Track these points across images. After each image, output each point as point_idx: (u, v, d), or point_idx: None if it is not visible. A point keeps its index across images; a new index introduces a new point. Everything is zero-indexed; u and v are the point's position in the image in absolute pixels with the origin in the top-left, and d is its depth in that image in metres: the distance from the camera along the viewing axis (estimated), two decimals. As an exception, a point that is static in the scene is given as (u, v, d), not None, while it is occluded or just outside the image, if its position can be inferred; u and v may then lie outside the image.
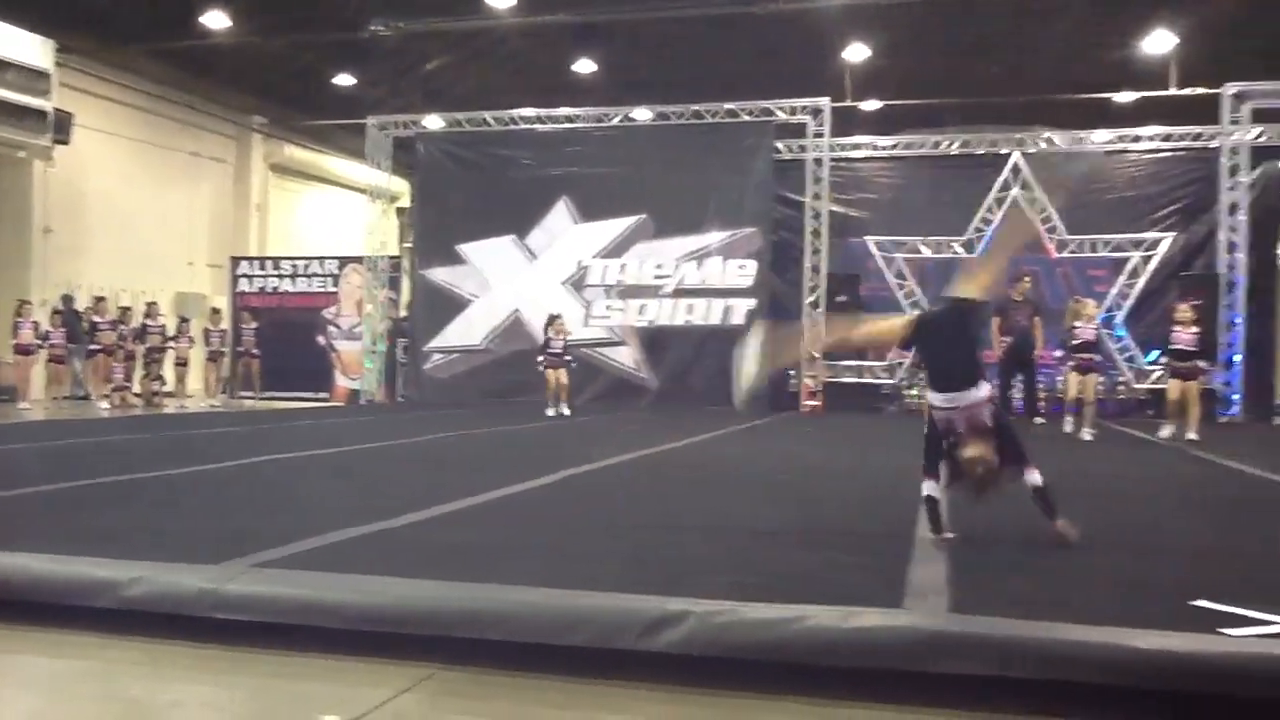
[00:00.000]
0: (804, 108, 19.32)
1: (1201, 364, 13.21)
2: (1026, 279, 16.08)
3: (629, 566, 4.48)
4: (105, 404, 17.91)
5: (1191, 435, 12.46)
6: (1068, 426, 13.24)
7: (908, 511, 6.20)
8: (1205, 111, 18.84)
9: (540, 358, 16.85)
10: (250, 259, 23.42)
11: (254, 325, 20.49)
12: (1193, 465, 10.29)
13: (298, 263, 22.95)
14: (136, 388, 19.34)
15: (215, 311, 20.83)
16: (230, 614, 3.83)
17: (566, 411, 16.19)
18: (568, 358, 16.86)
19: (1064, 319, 14.11)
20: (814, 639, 3.37)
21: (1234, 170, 17.82)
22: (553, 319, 17.01)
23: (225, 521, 5.57)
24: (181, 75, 22.25)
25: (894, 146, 20.06)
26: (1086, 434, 12.89)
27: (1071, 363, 13.44)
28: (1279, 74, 17.99)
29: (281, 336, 21.89)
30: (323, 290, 22.51)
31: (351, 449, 10.32)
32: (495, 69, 24.87)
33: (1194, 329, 12.85)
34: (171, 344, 19.54)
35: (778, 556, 4.82)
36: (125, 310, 19.59)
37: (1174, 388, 12.87)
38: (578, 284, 20.17)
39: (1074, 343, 13.35)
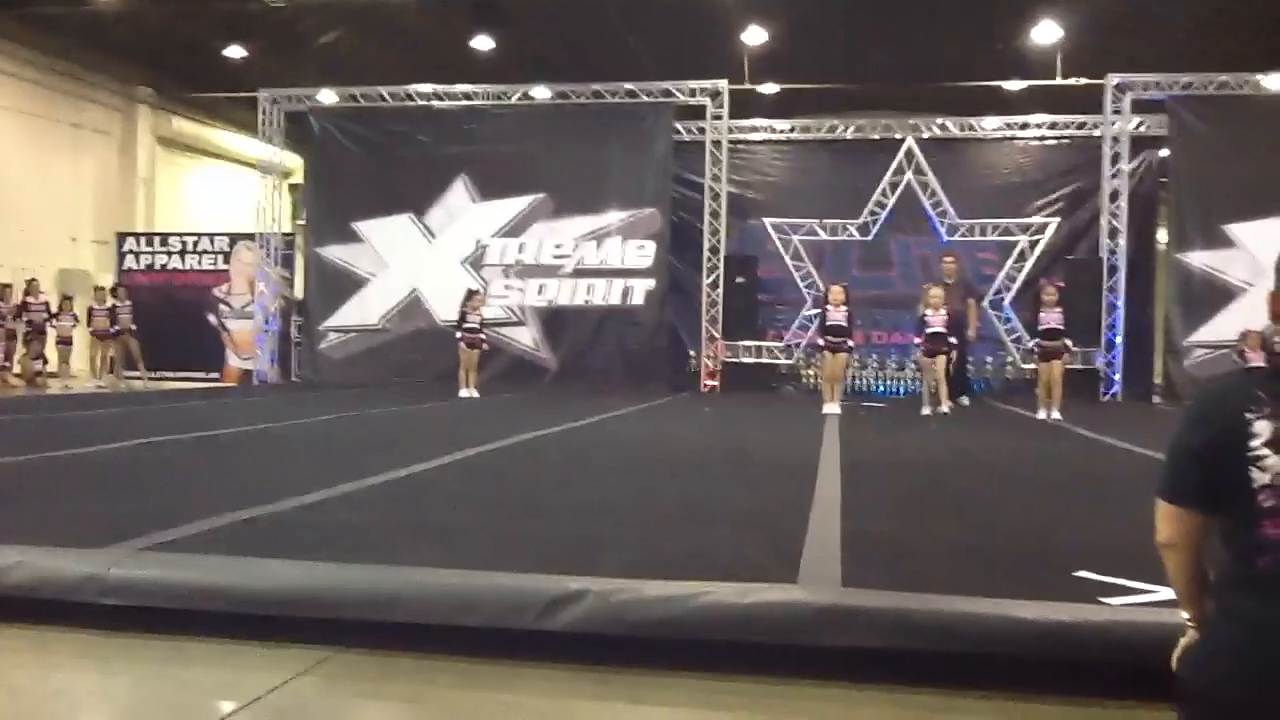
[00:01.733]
0: (703, 90, 19.41)
1: (1068, 342, 13.96)
2: (948, 259, 16.52)
3: (527, 546, 4.48)
4: (-17, 384, 17.25)
5: (1055, 415, 13.03)
6: (925, 409, 13.81)
7: (803, 488, 6.32)
8: (1089, 101, 19.44)
9: (459, 334, 16.20)
10: (137, 235, 22.71)
11: (128, 303, 19.66)
12: (1073, 442, 10.66)
13: (187, 239, 22.32)
14: (17, 368, 18.65)
15: (100, 289, 20.14)
16: (116, 599, 3.74)
17: (475, 394, 15.85)
18: (482, 335, 16.45)
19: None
20: (712, 615, 3.42)
21: (1115, 159, 18.42)
22: (471, 294, 16.58)
23: (109, 505, 5.42)
24: (64, 43, 21.41)
25: (791, 130, 20.34)
26: (944, 407, 13.69)
27: (921, 347, 14.15)
28: (1158, 67, 18.65)
29: (171, 315, 21.29)
30: (213, 268, 21.95)
31: (242, 430, 10.11)
32: (391, 44, 24.47)
33: (1058, 309, 13.66)
34: (53, 323, 18.87)
35: (675, 534, 4.86)
36: (5, 287, 18.85)
37: (1044, 369, 13.61)
38: (476, 263, 20.00)
39: (928, 330, 13.95)
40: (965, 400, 15.54)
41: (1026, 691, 3.27)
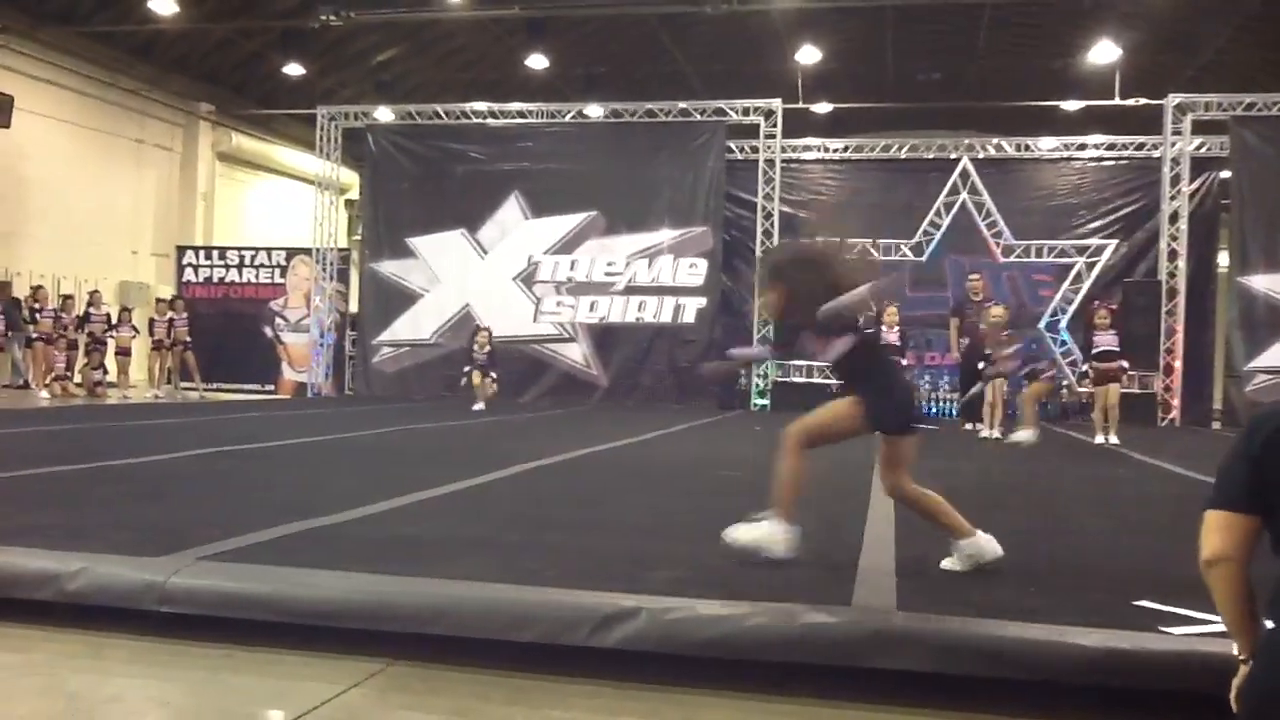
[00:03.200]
0: (756, 109, 19.40)
1: (1124, 363, 13.69)
2: (974, 277, 16.29)
3: (579, 562, 4.47)
4: (45, 393, 17.57)
5: (1113, 440, 12.78)
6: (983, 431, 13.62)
7: (856, 508, 6.26)
8: (1148, 121, 19.21)
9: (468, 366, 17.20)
10: (196, 249, 23.08)
11: (185, 315, 19.96)
12: (1131, 468, 10.48)
13: (245, 253, 22.65)
14: (77, 378, 19.00)
15: (160, 301, 20.50)
16: (175, 607, 3.78)
17: (484, 406, 16.43)
18: (491, 374, 17.06)
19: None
20: (765, 635, 3.40)
21: (1175, 180, 18.15)
22: (477, 330, 17.63)
23: (169, 514, 5.48)
24: (127, 60, 21.88)
25: (844, 149, 20.26)
26: (996, 432, 13.44)
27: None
28: (1218, 87, 18.39)
29: (228, 328, 21.60)
30: (270, 282, 22.24)
31: (298, 442, 10.21)
32: (447, 62, 24.77)
33: (1112, 331, 13.36)
34: (113, 333, 19.20)
35: (728, 553, 4.83)
36: (67, 299, 19.23)
37: (1100, 393, 13.33)
38: (528, 279, 20.11)
39: (988, 352, 13.76)
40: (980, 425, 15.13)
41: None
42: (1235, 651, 2.40)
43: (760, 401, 18.93)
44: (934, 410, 19.07)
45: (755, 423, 15.86)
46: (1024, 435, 12.23)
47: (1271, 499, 2.32)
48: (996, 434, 13.39)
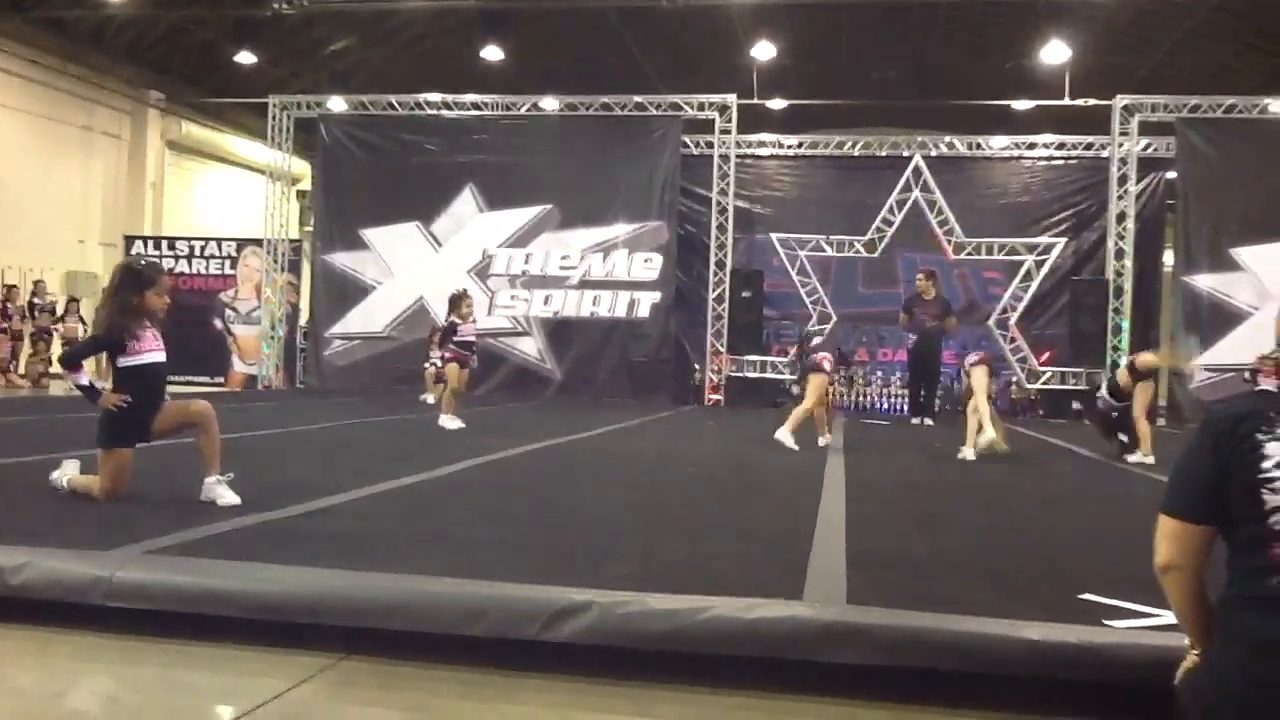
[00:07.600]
0: (711, 104, 19.44)
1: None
2: (921, 276, 16.44)
3: (533, 556, 4.47)
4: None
5: None
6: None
7: (808, 504, 6.31)
8: (1097, 122, 19.47)
9: (442, 353, 12.88)
10: (145, 239, 22.74)
11: None
12: (1074, 462, 10.63)
13: (194, 243, 22.36)
14: (22, 369, 18.68)
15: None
16: (122, 602, 3.73)
17: (461, 423, 11.68)
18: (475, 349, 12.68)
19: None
20: (717, 629, 3.42)
21: (1123, 180, 18.43)
22: (461, 297, 12.23)
23: (115, 507, 5.42)
24: (75, 46, 21.49)
25: (799, 145, 20.37)
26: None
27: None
28: (1166, 89, 18.68)
29: (176, 319, 21.24)
30: (220, 273, 21.98)
31: (246, 435, 10.09)
32: (401, 53, 24.57)
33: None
34: (59, 324, 18.90)
35: (680, 548, 4.85)
36: (11, 288, 18.89)
37: None
38: (482, 273, 20.03)
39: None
40: (929, 422, 15.26)
41: (1030, 712, 3.26)
42: (1187, 642, 2.44)
43: (713, 396, 18.99)
44: (885, 406, 19.25)
45: (708, 418, 15.92)
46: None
47: (1229, 514, 2.30)
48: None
